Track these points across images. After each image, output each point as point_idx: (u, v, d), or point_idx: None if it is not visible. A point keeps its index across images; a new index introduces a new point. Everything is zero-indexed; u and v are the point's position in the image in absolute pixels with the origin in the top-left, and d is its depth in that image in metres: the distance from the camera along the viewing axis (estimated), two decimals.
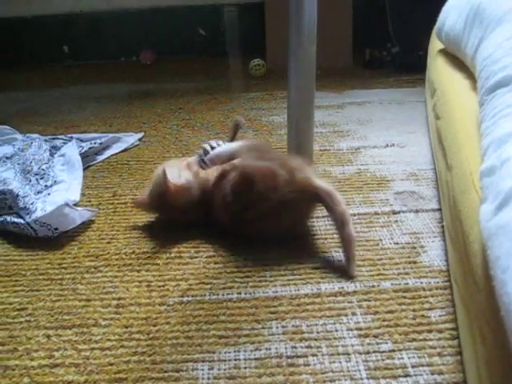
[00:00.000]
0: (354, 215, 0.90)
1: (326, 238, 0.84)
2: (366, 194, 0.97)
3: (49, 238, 0.86)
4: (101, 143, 1.16)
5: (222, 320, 0.68)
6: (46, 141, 1.12)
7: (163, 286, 0.75)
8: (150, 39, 1.93)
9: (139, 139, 1.25)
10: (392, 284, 0.72)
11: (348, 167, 1.08)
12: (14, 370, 0.62)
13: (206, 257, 0.81)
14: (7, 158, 1.05)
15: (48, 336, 0.67)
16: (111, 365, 0.62)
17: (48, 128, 1.34)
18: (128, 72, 1.86)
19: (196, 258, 0.81)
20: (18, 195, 0.89)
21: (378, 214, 0.90)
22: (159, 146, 1.22)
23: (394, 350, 0.61)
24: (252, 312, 0.69)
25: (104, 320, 0.69)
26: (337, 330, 0.65)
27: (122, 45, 1.95)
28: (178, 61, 1.91)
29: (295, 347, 0.63)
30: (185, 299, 0.72)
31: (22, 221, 0.86)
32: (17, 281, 0.78)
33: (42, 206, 0.88)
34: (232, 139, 0.98)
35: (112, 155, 1.18)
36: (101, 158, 1.15)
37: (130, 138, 1.23)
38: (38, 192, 0.96)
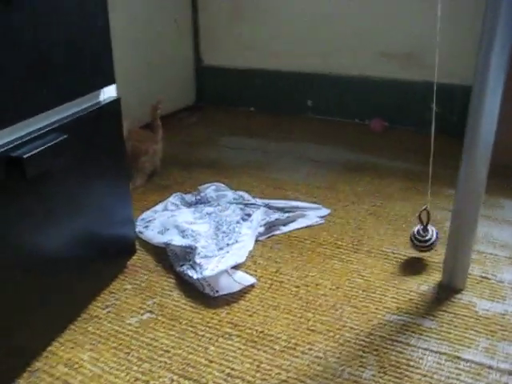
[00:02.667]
0: (466, 361, 0.94)
1: None
2: (495, 342, 0.99)
3: (210, 296, 1.10)
4: (288, 217, 1.36)
5: None
6: (241, 209, 1.36)
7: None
8: (382, 107, 2.07)
9: (324, 216, 1.42)
10: None
11: (496, 304, 1.09)
12: None
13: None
14: (208, 213, 1.32)
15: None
16: None
17: (259, 185, 1.60)
18: (355, 136, 2.03)
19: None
20: (199, 253, 1.15)
21: (495, 369, 0.92)
22: (338, 230, 1.37)
23: None
24: None
25: None
26: None
27: (358, 107, 2.13)
28: (406, 134, 2.02)
29: None
30: None
31: (195, 275, 1.11)
32: (173, 326, 1.03)
33: (213, 266, 1.12)
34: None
35: (295, 229, 1.37)
36: (285, 229, 1.35)
37: (315, 214, 1.41)
38: (220, 248, 1.21)
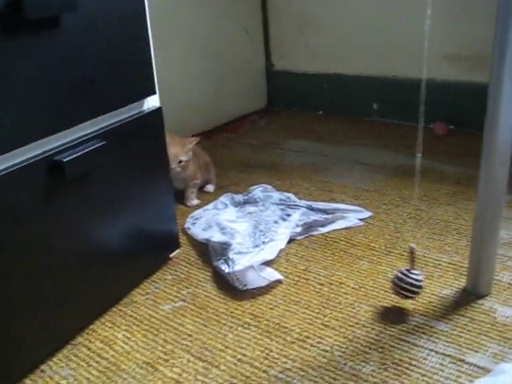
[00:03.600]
0: (470, 365, 0.97)
1: None
2: (506, 349, 1.00)
3: (239, 289, 1.20)
4: (326, 218, 1.43)
5: None
6: (281, 209, 1.44)
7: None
8: (448, 110, 2.06)
9: (364, 219, 1.47)
10: None
11: None
12: None
13: None
14: (249, 213, 1.42)
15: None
16: None
17: (309, 187, 1.67)
18: (416, 140, 2.02)
19: None
20: (233, 249, 1.25)
21: None
22: (374, 233, 1.41)
23: None
24: None
25: None
26: None
27: (424, 111, 2.13)
28: (470, 137, 1.98)
29: None
30: None
31: (226, 269, 1.21)
32: (200, 313, 1.15)
33: (244, 261, 1.21)
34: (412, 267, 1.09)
35: (333, 230, 1.43)
36: (323, 230, 1.42)
37: (355, 216, 1.46)
38: (256, 246, 1.29)
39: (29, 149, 0.92)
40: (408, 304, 1.13)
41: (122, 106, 1.10)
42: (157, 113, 1.19)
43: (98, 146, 1.02)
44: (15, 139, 0.88)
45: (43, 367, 1.01)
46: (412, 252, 1.08)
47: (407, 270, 1.09)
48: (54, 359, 1.03)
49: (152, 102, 1.19)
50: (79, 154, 0.99)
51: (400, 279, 1.08)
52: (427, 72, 2.09)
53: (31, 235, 0.93)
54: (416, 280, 1.07)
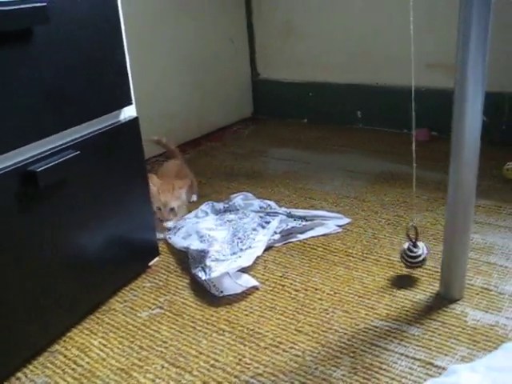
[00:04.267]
0: (438, 368, 0.98)
1: None
2: (474, 351, 1.02)
3: (215, 296, 1.22)
4: (304, 225, 1.44)
5: None
6: (260, 217, 1.46)
7: None
8: (431, 117, 2.08)
9: (343, 225, 1.49)
10: None
11: (489, 316, 1.11)
12: None
13: None
14: (228, 221, 1.44)
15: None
16: None
17: (291, 195, 1.69)
18: (399, 146, 2.05)
19: None
20: (210, 256, 1.27)
21: None
22: (352, 239, 1.43)
23: None
24: None
25: None
26: None
27: (406, 118, 2.15)
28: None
29: None
30: None
31: (203, 277, 1.23)
32: (176, 320, 1.16)
33: (221, 268, 1.22)
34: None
35: (312, 237, 1.45)
36: (302, 237, 1.43)
37: (334, 223, 1.47)
38: (233, 253, 1.31)
39: (2, 159, 0.93)
40: (381, 309, 1.14)
41: (97, 117, 1.11)
42: (133, 123, 1.20)
43: (72, 156, 1.04)
44: None
45: (19, 374, 1.03)
46: (410, 230, 1.21)
47: (411, 245, 1.20)
48: (30, 366, 1.04)
49: (129, 112, 1.21)
50: (52, 164, 1.00)
51: (404, 253, 1.21)
52: (410, 79, 2.11)
53: (6, 243, 0.94)
54: (414, 256, 1.21)
